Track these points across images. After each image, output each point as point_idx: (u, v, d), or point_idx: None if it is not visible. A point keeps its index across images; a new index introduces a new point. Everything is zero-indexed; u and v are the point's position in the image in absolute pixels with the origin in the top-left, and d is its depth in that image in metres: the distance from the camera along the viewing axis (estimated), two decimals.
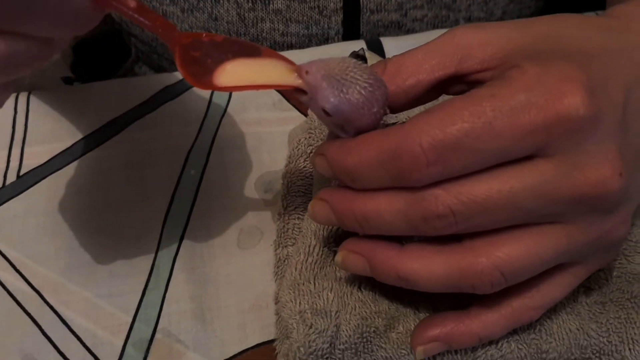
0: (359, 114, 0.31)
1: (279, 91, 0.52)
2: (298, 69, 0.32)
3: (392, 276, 0.33)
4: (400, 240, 0.33)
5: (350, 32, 0.60)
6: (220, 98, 0.52)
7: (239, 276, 0.42)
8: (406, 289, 0.33)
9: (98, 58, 0.72)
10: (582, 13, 0.56)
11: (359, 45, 0.55)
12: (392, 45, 0.55)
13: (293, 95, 0.45)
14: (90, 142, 0.49)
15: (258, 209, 0.45)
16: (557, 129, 0.29)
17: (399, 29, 0.61)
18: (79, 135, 0.49)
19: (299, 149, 0.44)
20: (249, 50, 0.34)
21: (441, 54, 0.33)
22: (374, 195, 0.32)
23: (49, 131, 0.50)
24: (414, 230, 0.31)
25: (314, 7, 0.58)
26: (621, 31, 0.35)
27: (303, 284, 0.37)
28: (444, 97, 0.35)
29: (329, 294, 0.36)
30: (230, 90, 0.34)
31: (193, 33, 0.33)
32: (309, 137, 0.44)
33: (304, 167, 0.44)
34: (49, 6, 0.28)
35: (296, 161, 0.44)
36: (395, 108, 0.35)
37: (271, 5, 0.57)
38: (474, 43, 0.32)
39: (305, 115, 0.50)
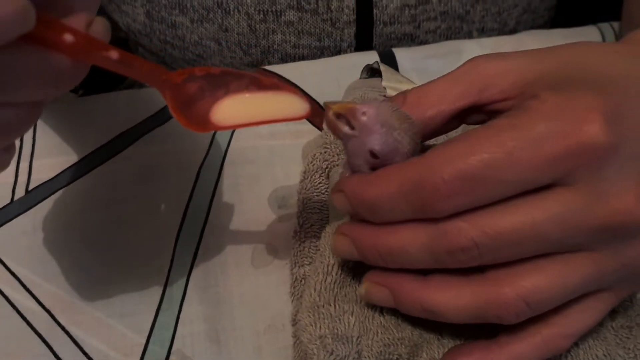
0: (400, 160, 0.32)
1: None
2: (352, 109, 0.32)
3: (417, 308, 0.32)
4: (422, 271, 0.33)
5: (362, 44, 0.59)
6: None
7: (253, 296, 0.41)
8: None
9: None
10: (597, 24, 0.56)
11: (371, 55, 0.54)
12: (405, 56, 0.54)
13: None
14: (99, 156, 0.48)
15: (272, 225, 0.44)
16: (579, 158, 0.28)
17: (412, 41, 0.60)
18: (87, 149, 0.48)
19: (314, 164, 0.43)
20: (250, 82, 0.33)
21: (462, 83, 0.33)
22: (397, 230, 0.32)
23: (57, 145, 0.49)
24: (438, 263, 0.31)
25: (327, 19, 0.57)
26: None
27: (323, 307, 0.36)
28: (463, 127, 0.35)
29: (350, 317, 0.35)
30: (230, 128, 0.33)
31: (185, 70, 0.32)
32: (325, 152, 0.43)
33: (320, 183, 0.43)
34: (28, 73, 0.27)
35: (311, 177, 0.43)
36: None
37: (283, 17, 0.57)
38: (495, 72, 0.33)
39: (320, 129, 0.49)
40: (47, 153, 0.48)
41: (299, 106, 0.33)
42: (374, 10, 0.57)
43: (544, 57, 0.33)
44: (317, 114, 0.47)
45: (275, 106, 0.33)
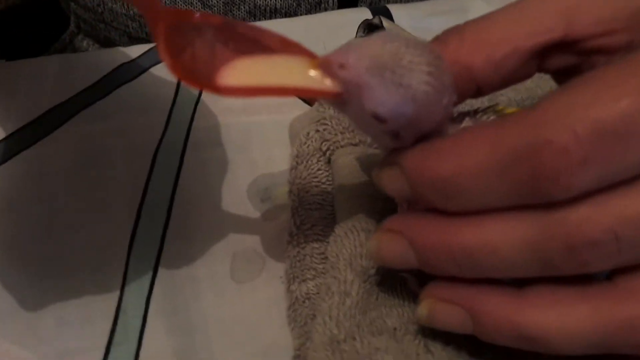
0: (426, 112, 0.23)
1: None
2: (324, 63, 0.23)
3: (509, 335, 0.23)
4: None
5: None
6: None
7: (236, 321, 0.31)
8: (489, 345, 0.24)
9: (27, 29, 0.61)
10: None
11: (360, 13, 0.45)
12: (403, 14, 0.46)
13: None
14: (24, 138, 0.38)
15: (255, 225, 0.35)
16: None
17: None
18: (9, 128, 0.39)
19: (308, 145, 0.35)
20: (256, 38, 0.25)
21: (542, 13, 0.25)
22: (481, 221, 0.23)
23: None
24: (548, 268, 0.22)
25: None
26: None
27: (344, 341, 0.26)
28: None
29: (385, 357, 0.25)
30: (234, 95, 0.24)
31: (181, 11, 0.25)
32: (324, 130, 0.34)
33: (319, 169, 0.34)
34: None
35: (307, 162, 0.34)
36: (483, 88, 0.26)
37: None
38: None
39: (308, 102, 0.39)
40: None
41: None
42: None
43: None
44: None
45: (296, 72, 0.24)
